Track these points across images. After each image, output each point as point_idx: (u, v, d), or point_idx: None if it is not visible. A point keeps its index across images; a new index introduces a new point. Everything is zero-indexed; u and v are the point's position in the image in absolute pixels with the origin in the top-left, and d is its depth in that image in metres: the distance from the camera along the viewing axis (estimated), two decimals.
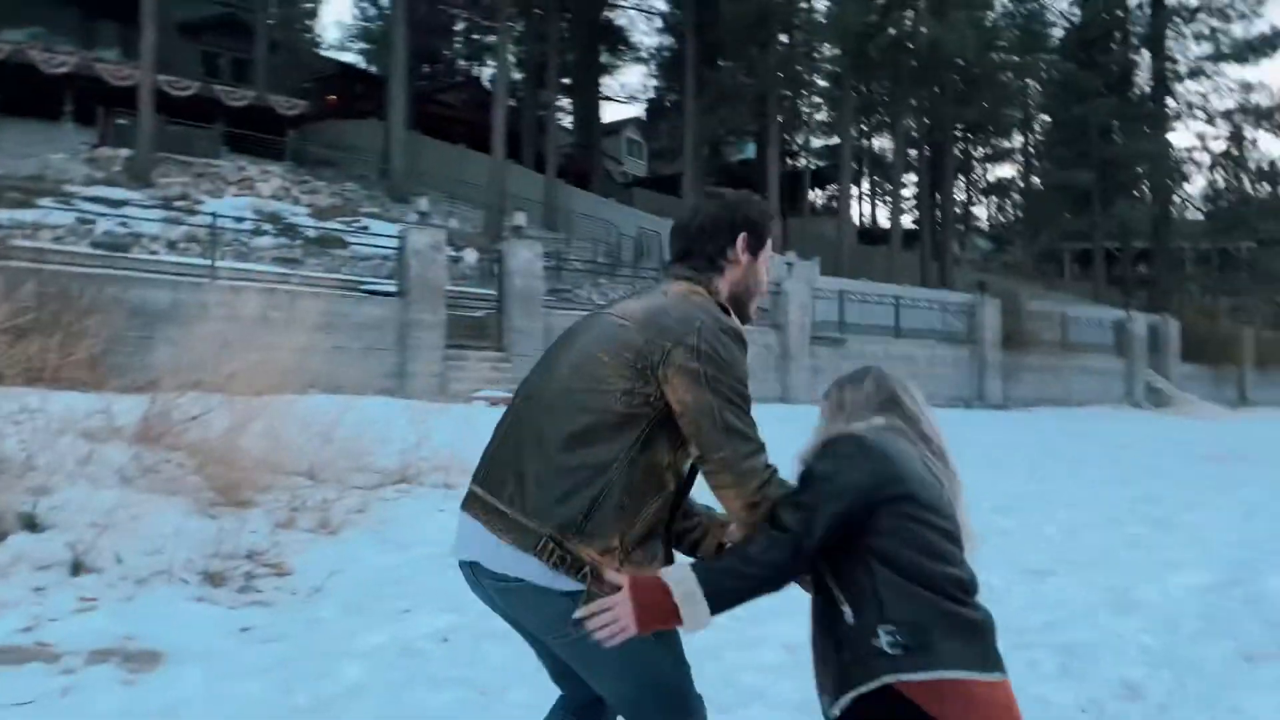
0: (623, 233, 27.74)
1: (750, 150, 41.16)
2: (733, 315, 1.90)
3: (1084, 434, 16.69)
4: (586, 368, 1.79)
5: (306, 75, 35.26)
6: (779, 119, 32.14)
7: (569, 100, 41.55)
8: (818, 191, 46.45)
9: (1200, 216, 35.65)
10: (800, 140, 41.49)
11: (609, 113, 47.43)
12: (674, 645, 1.86)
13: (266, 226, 20.17)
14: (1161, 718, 3.69)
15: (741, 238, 1.96)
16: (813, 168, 41.70)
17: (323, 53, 41.15)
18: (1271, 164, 36.02)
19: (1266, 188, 35.33)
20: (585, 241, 27.05)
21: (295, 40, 37.40)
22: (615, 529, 1.71)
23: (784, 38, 30.80)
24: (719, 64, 31.67)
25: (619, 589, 1.68)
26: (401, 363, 13.93)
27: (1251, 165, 34.96)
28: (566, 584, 1.69)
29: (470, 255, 16.90)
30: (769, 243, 2.05)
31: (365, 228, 21.03)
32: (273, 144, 28.64)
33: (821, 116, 40.54)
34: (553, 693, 2.19)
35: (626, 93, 55.38)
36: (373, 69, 39.04)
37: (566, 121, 42.21)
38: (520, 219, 17.19)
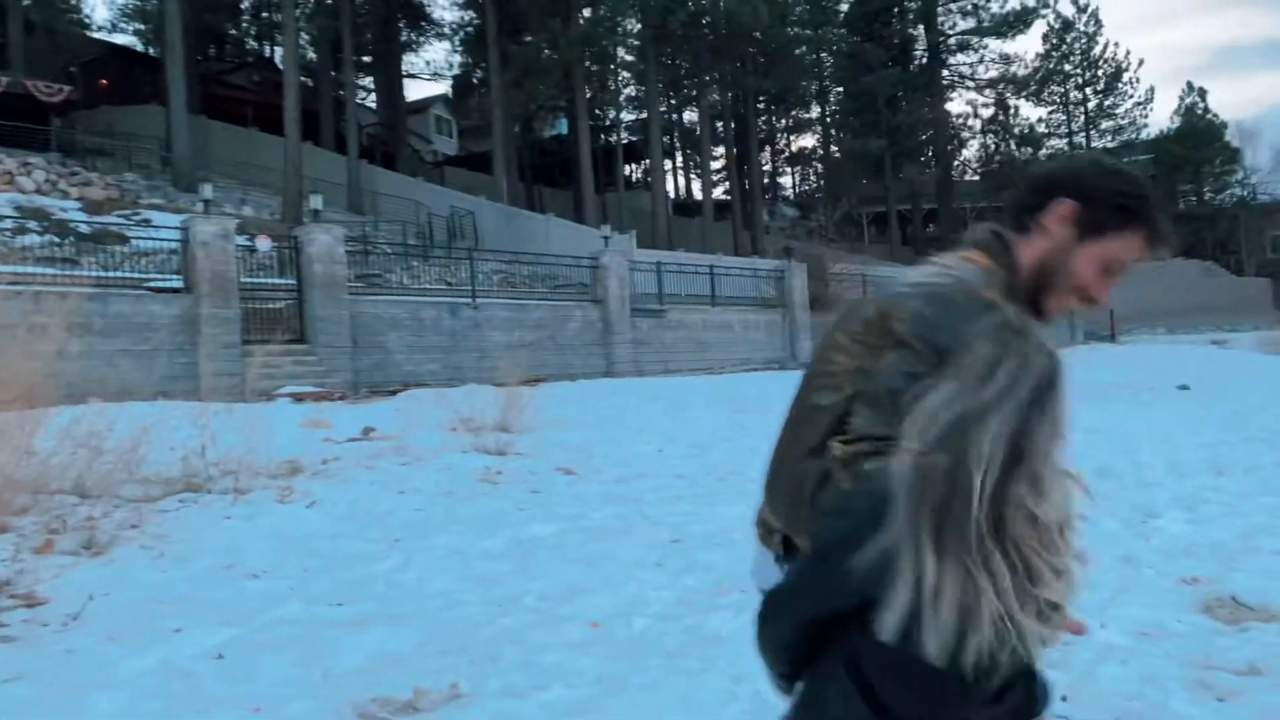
0: (434, 213, 27.04)
1: (563, 126, 40.99)
2: (1005, 301, 1.47)
3: None
4: (818, 358, 1.56)
5: (72, 58, 32.24)
6: (587, 94, 32.15)
7: (371, 79, 39.97)
8: (632, 166, 46.93)
9: (976, 178, 38.50)
10: (611, 115, 41.69)
11: (415, 91, 45.97)
12: None
13: (31, 224, 18.33)
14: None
15: (1064, 204, 1.52)
16: (625, 142, 42.01)
17: (91, 34, 37.70)
18: (1031, 129, 39.26)
19: (1029, 150, 38.52)
20: (394, 224, 26.17)
21: (56, 20, 34.06)
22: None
23: (586, 11, 30.77)
24: (523, 38, 31.28)
25: None
26: (192, 363, 13.03)
27: (1015, 130, 37.99)
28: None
29: (264, 243, 15.97)
30: (1121, 236, 1.53)
31: (147, 220, 19.50)
32: (35, 134, 26.04)
33: (630, 91, 40.93)
34: (337, 703, 2.03)
35: (432, 70, 53.91)
36: (150, 50, 36.16)
37: (371, 101, 40.60)
38: (318, 203, 16.39)
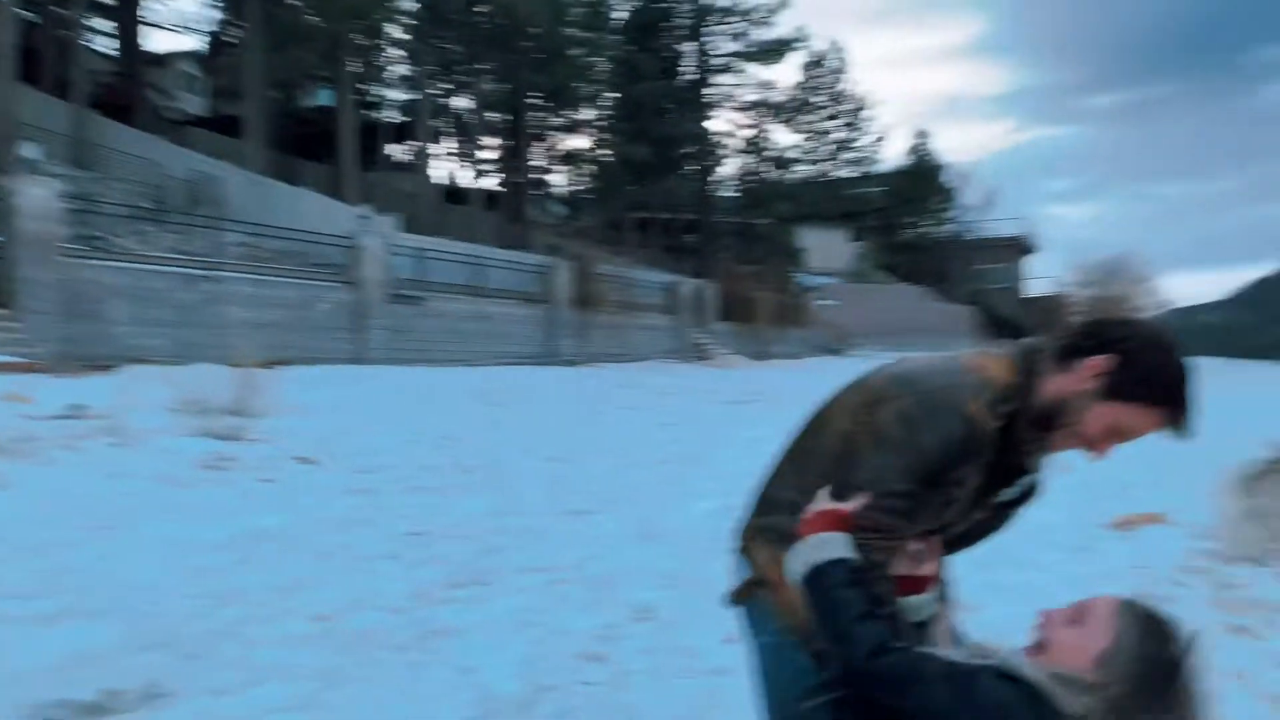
0: (173, 175, 24.83)
1: (326, 98, 38.89)
2: (1017, 409, 1.62)
3: (639, 385, 18.28)
4: (826, 406, 1.79)
5: None
6: (354, 67, 30.74)
7: (113, 23, 35.98)
8: (399, 146, 45.36)
9: (733, 194, 40.69)
10: (380, 92, 40.09)
11: (163, 42, 41.95)
12: None
13: None
14: (669, 633, 4.09)
15: (1101, 359, 1.58)
16: (393, 121, 40.55)
17: None
18: (783, 153, 42.05)
19: (781, 173, 41.21)
20: (126, 183, 23.76)
21: None
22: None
23: None
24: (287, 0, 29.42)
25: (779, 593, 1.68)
26: None
27: (770, 153, 40.53)
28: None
29: None
30: (1144, 410, 1.58)
31: None
32: None
33: (404, 70, 39.52)
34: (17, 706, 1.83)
35: (184, 21, 49.19)
36: None
37: (113, 49, 36.55)
38: (34, 152, 14.59)
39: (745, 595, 1.78)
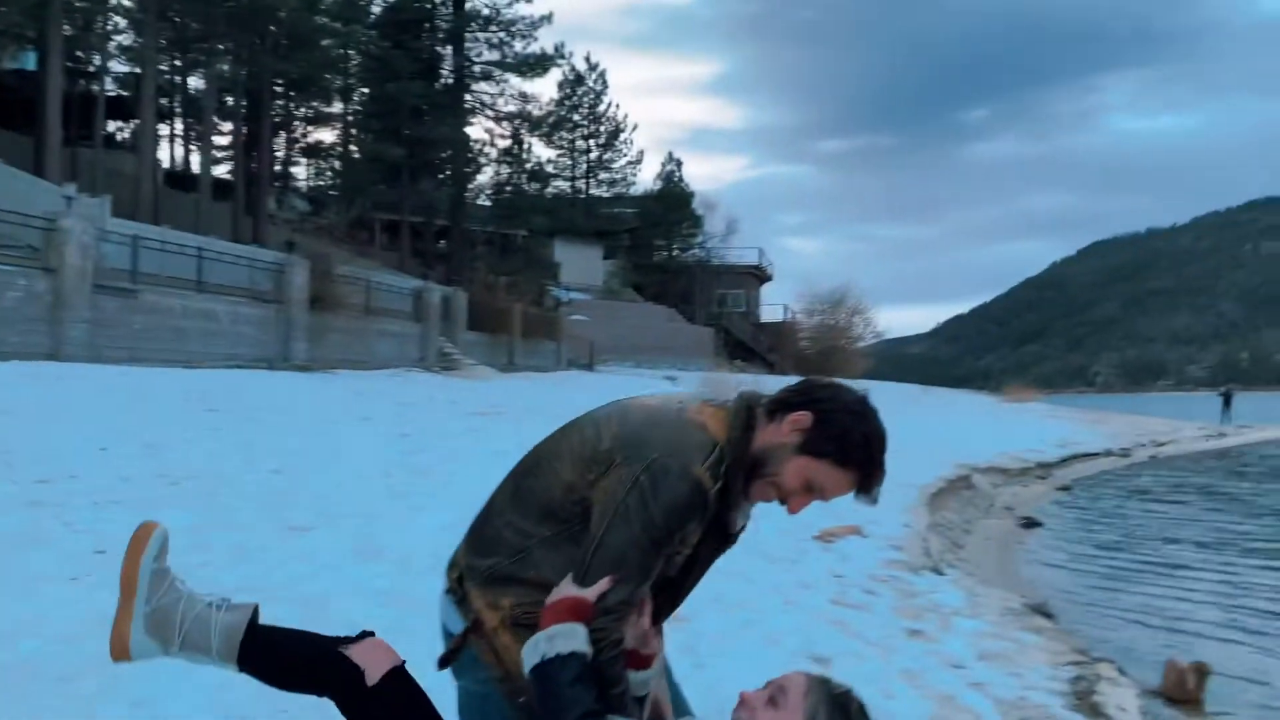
0: None
1: (30, 60, 34.54)
2: (728, 472, 1.68)
3: (378, 394, 17.63)
4: (555, 442, 1.79)
5: None
6: (66, 29, 27.52)
7: None
8: (118, 124, 41.14)
9: (488, 203, 40.45)
10: (97, 60, 36.15)
11: None
12: None
13: None
14: None
15: (805, 415, 1.69)
16: (112, 95, 36.70)
17: None
18: (541, 167, 42.44)
19: (538, 186, 41.54)
20: None
21: None
22: (512, 595, 1.69)
23: None
24: None
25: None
26: None
27: (527, 166, 40.74)
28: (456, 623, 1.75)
29: None
30: (838, 472, 1.68)
31: None
32: None
33: (126, 39, 35.91)
34: None
35: None
36: None
37: None
38: None
39: (457, 646, 1.74)
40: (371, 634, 1.76)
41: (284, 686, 1.77)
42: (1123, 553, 10.56)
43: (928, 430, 22.01)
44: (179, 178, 39.76)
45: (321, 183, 45.42)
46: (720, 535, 1.76)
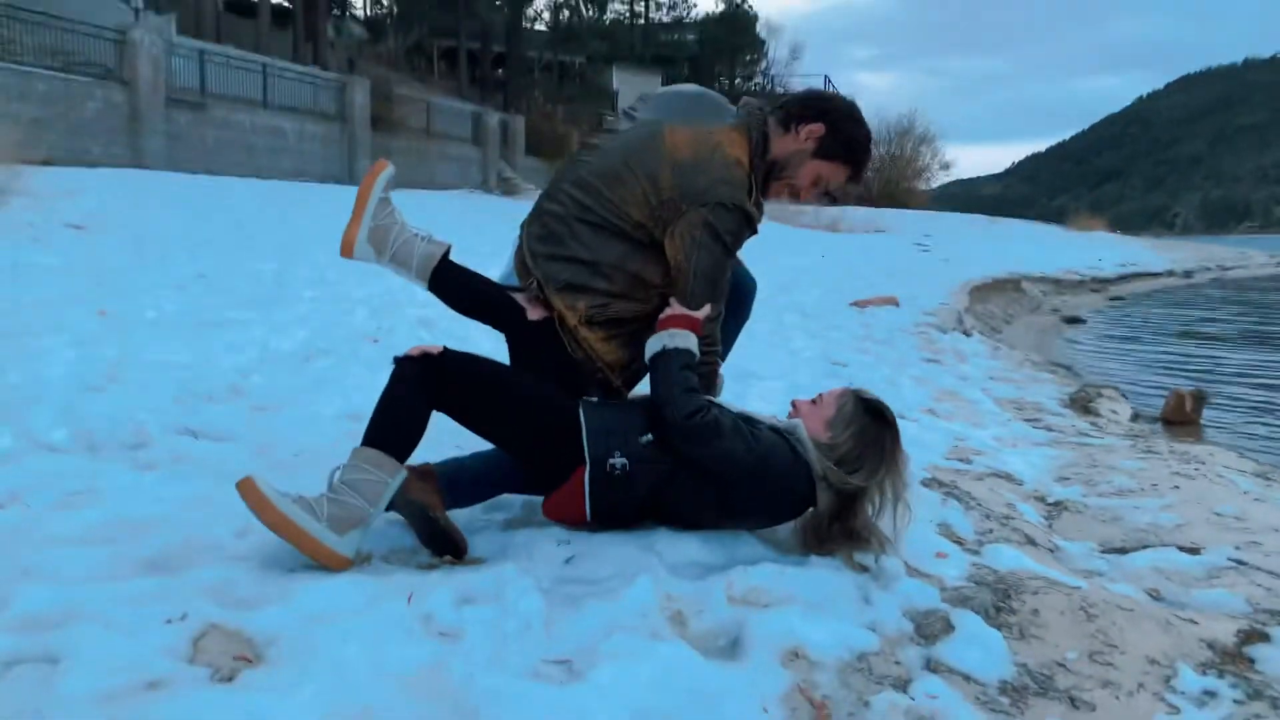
0: None
1: None
2: (756, 184, 2.11)
3: (439, 209, 18.15)
4: (619, 180, 2.10)
5: None
6: None
7: None
8: None
9: (545, 29, 39.53)
10: None
11: None
12: None
13: None
14: None
15: (819, 126, 2.14)
16: None
17: None
18: None
19: (594, 12, 40.32)
20: None
21: None
22: (585, 299, 2.10)
23: None
24: None
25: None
26: None
27: None
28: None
29: None
30: (836, 165, 2.16)
31: None
32: None
33: None
34: None
35: None
36: None
37: None
38: None
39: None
40: (530, 286, 2.20)
41: (461, 310, 2.26)
42: (1157, 342, 10.79)
43: (985, 250, 21.93)
44: (238, 4, 39.56)
45: (379, 9, 44.71)
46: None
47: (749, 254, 2.54)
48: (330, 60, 32.02)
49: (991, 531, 2.55)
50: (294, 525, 1.69)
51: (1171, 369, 8.35)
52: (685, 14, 49.08)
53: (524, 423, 1.95)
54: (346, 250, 2.15)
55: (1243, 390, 7.00)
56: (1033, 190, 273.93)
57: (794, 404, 2.14)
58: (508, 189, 27.13)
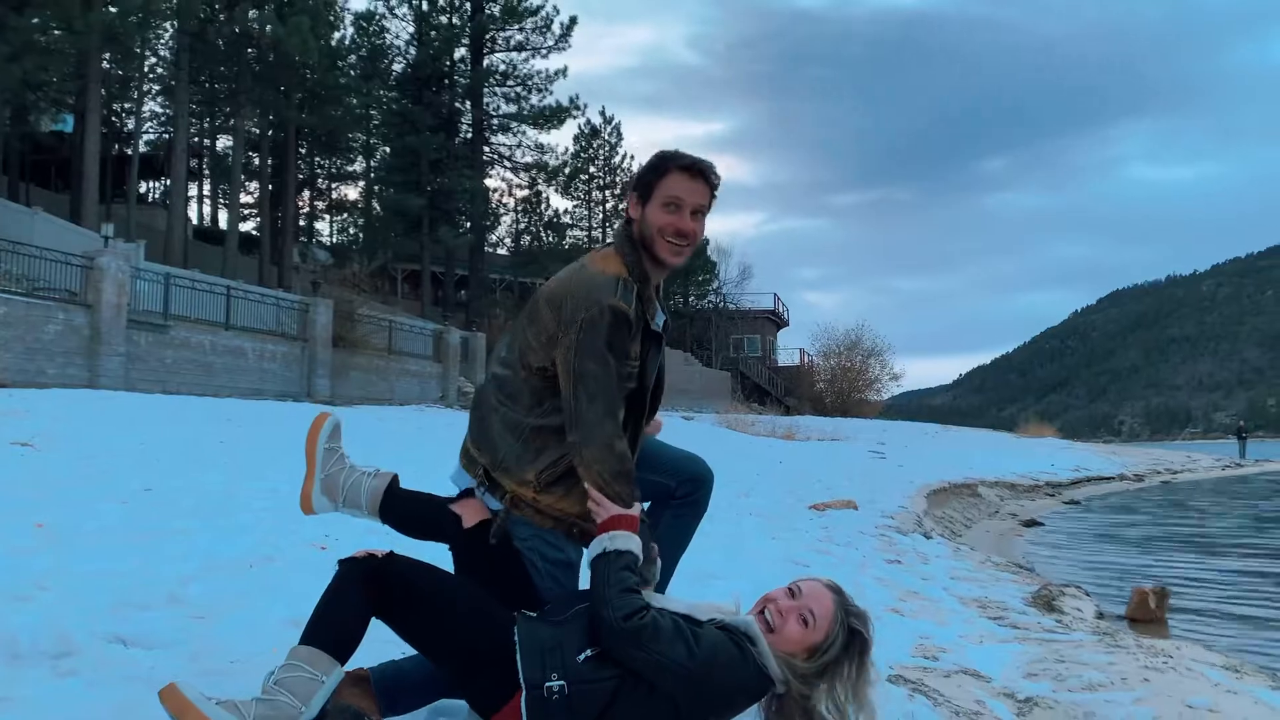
0: None
1: (69, 124, 36.10)
2: (636, 279, 2.12)
3: (399, 421, 18.18)
4: (516, 340, 2.20)
5: None
6: (103, 92, 28.90)
7: None
8: (150, 182, 42.71)
9: (506, 252, 41.45)
10: (131, 122, 37.74)
11: None
12: None
13: None
14: None
15: (630, 195, 2.22)
16: (144, 153, 38.21)
17: None
18: (557, 216, 43.46)
19: (554, 237, 42.53)
20: None
21: None
22: (532, 469, 2.11)
23: None
24: (26, 8, 27.29)
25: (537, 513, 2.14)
26: None
27: (545, 216, 41.77)
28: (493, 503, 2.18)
29: None
30: (662, 184, 2.15)
31: None
32: None
33: (156, 105, 37.55)
34: None
35: None
36: None
37: None
38: None
39: (503, 522, 2.19)
40: (471, 492, 2.24)
41: (410, 534, 2.30)
42: (1117, 546, 10.84)
43: (940, 456, 22.27)
44: (207, 233, 41.11)
45: (344, 236, 46.67)
46: (653, 338, 2.22)
47: (706, 451, 2.55)
48: (295, 283, 33.01)
49: None
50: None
51: (1131, 571, 8.34)
52: None
53: (460, 642, 1.89)
54: (305, 506, 2.25)
55: (1205, 591, 6.99)
56: (982, 400, 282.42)
57: (767, 600, 2.02)
58: (467, 402, 27.35)
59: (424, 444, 14.91)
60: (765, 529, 6.52)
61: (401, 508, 2.25)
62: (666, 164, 2.18)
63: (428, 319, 33.96)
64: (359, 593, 1.87)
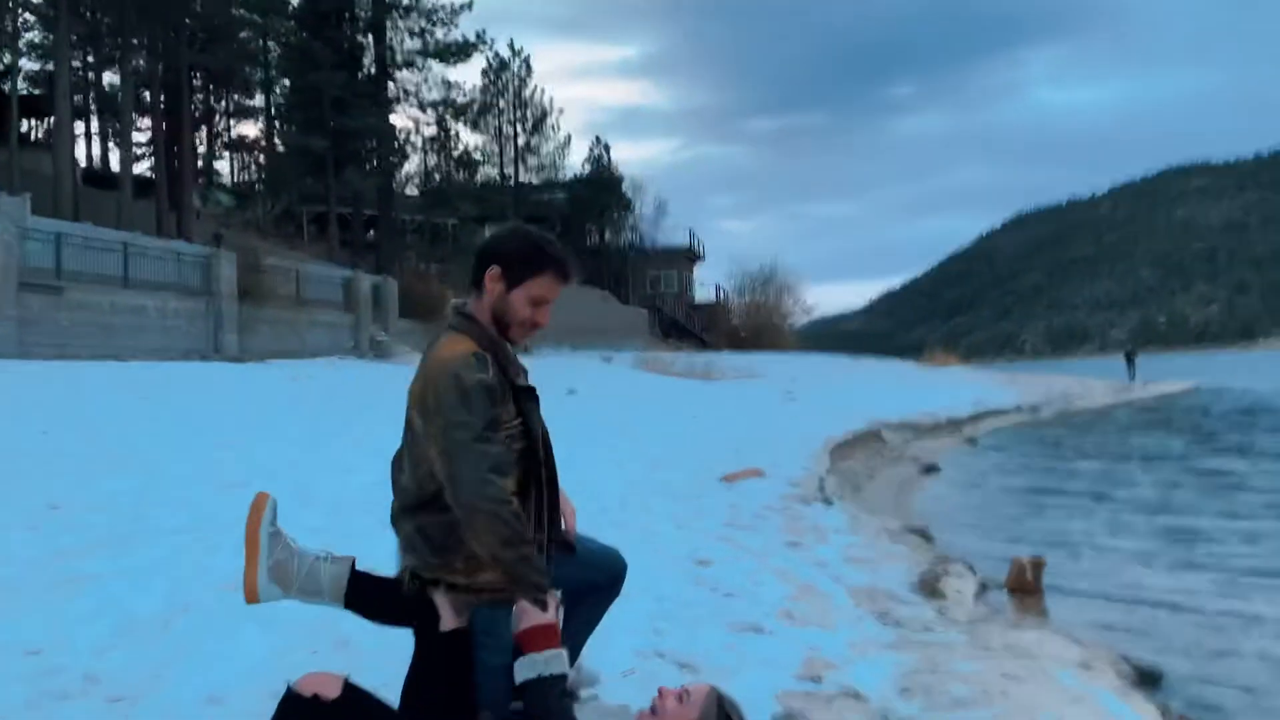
0: None
1: None
2: (492, 354, 2.17)
3: (309, 378, 17.97)
4: (406, 448, 2.26)
5: None
6: None
7: None
8: (33, 122, 40.24)
9: (416, 193, 40.57)
10: (7, 59, 35.36)
11: None
12: None
13: None
14: None
15: (493, 268, 2.24)
16: (24, 93, 35.93)
17: None
18: (468, 153, 42.61)
19: (465, 173, 41.75)
20: None
21: None
22: (459, 562, 2.15)
23: None
24: None
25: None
26: None
27: (455, 153, 40.91)
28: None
29: None
30: (534, 281, 2.22)
31: None
32: None
33: (35, 36, 35.27)
34: None
35: None
36: None
37: None
38: None
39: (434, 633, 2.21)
40: (407, 581, 2.21)
41: (378, 621, 2.28)
42: (1006, 491, 11.55)
43: (848, 394, 23.05)
44: (98, 176, 39.06)
45: (246, 177, 45.00)
46: (526, 393, 2.29)
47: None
48: (195, 231, 31.82)
49: None
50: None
51: (1015, 522, 8.97)
52: (554, 175, 51.20)
53: None
54: (250, 597, 2.16)
55: (1085, 537, 7.60)
56: (892, 325, 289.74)
57: (661, 693, 2.20)
58: (380, 351, 27.02)
59: (340, 400, 14.85)
60: (673, 514, 6.80)
61: (369, 595, 2.22)
62: (544, 264, 2.24)
63: (336, 263, 33.20)
64: None
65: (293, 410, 12.76)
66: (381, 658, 2.70)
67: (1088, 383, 35.90)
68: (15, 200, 19.89)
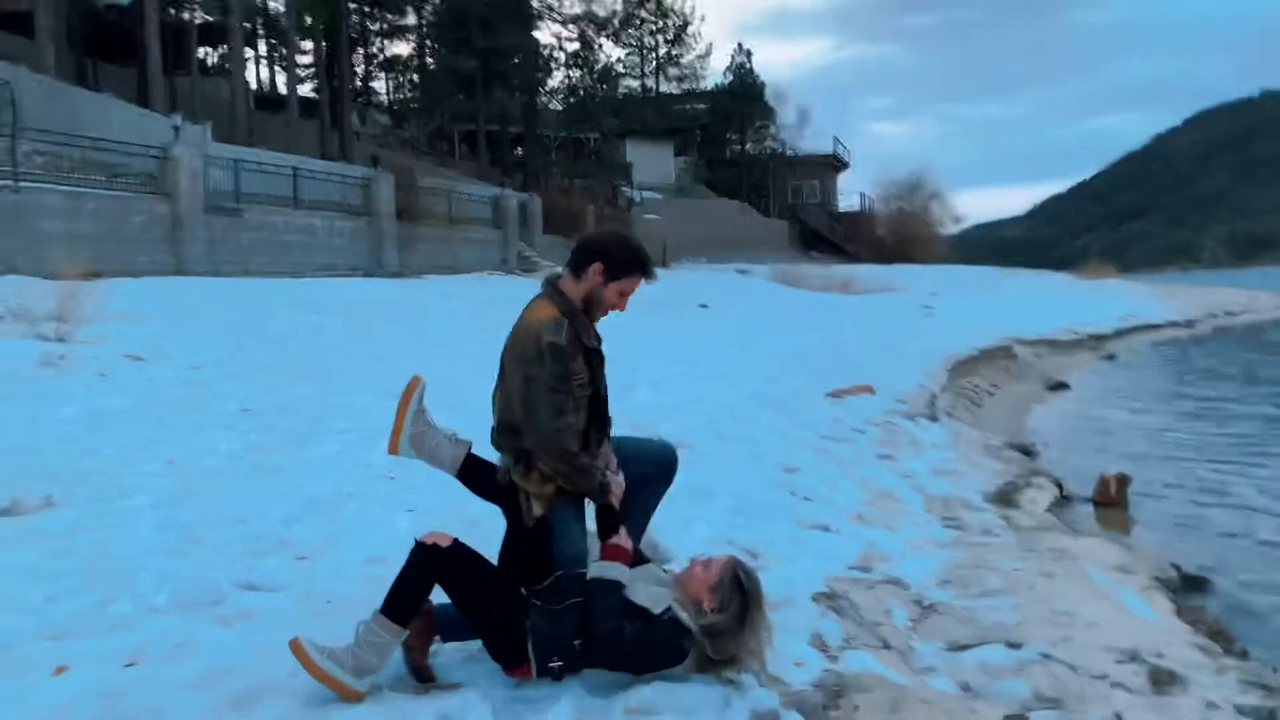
0: None
1: None
2: (570, 321, 2.80)
3: (463, 294, 19.25)
4: (505, 385, 2.89)
5: None
6: None
7: None
8: (208, 50, 43.06)
9: (560, 108, 41.24)
10: None
11: None
12: None
13: None
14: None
15: (596, 265, 2.87)
16: (201, 22, 38.48)
17: None
18: (609, 67, 42.79)
19: (606, 87, 42.00)
20: None
21: None
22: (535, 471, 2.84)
23: None
24: None
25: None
26: None
27: (596, 67, 41.17)
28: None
29: None
30: (628, 279, 2.89)
31: None
32: None
33: None
34: None
35: None
36: None
37: None
38: None
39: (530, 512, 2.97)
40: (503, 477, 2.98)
41: (478, 494, 2.99)
42: (1129, 411, 11.46)
43: (990, 309, 22.59)
44: (267, 100, 41.70)
45: (401, 97, 46.79)
46: (596, 355, 2.98)
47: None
48: (355, 150, 33.72)
49: (855, 639, 3.33)
50: (328, 676, 2.50)
51: (1130, 438, 9.05)
52: (695, 86, 50.75)
53: (491, 617, 2.73)
54: (393, 449, 2.94)
55: (1196, 459, 7.72)
56: (1057, 231, 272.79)
57: (691, 561, 2.84)
58: (526, 267, 28.29)
59: (491, 314, 15.98)
60: (774, 425, 7.34)
61: (478, 476, 2.97)
62: (640, 269, 2.93)
63: (485, 180, 34.54)
64: (423, 577, 2.68)
65: (448, 326, 13.92)
66: (499, 538, 3.45)
67: (1257, 295, 33.54)
68: (198, 129, 21.83)
